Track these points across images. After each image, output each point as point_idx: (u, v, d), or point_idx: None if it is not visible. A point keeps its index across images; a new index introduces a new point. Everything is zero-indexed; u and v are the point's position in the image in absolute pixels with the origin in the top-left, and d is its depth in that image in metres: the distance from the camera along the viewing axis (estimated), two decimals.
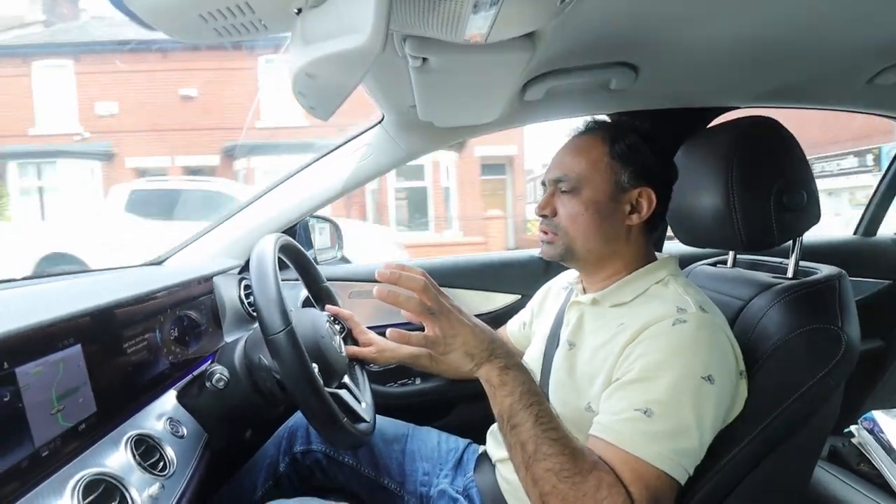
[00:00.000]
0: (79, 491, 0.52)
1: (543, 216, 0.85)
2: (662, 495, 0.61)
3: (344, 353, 0.96)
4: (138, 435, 0.65)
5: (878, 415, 1.11)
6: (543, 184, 0.88)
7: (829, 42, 0.84)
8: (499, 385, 0.64)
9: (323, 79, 0.51)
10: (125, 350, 0.69)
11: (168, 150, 10.34)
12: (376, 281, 0.65)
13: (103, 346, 0.64)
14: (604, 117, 0.91)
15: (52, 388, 0.54)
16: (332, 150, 1.28)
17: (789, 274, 0.86)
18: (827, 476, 1.09)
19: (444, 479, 0.97)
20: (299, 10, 0.48)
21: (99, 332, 0.64)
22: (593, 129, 0.85)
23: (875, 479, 1.05)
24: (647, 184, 0.80)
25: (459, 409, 1.38)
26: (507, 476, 0.86)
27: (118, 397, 0.66)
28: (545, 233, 0.85)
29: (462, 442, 1.06)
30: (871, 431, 1.11)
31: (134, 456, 0.61)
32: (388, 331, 0.64)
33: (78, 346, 0.59)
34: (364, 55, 0.43)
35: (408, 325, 1.02)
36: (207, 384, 0.81)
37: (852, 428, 1.16)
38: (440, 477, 0.99)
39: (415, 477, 1.00)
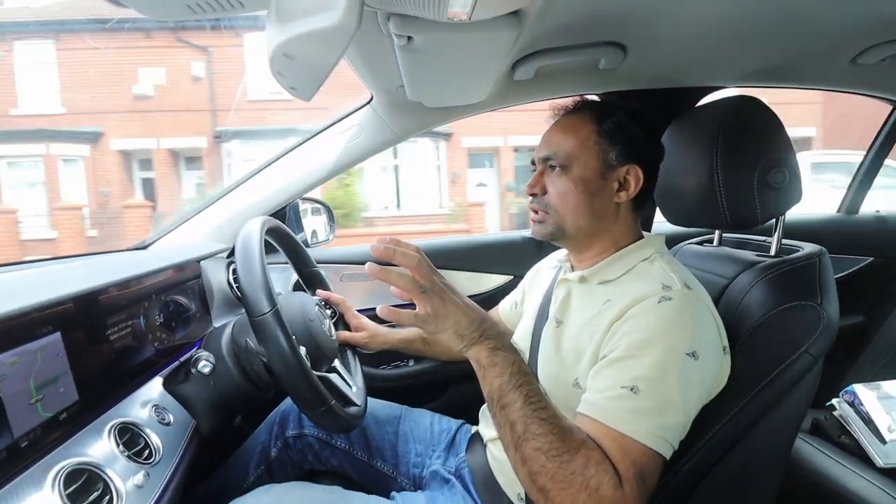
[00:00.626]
0: (60, 481, 0.51)
1: (533, 195, 0.85)
2: (648, 471, 0.62)
3: (334, 337, 0.96)
4: (122, 423, 0.64)
5: (858, 388, 1.14)
6: (533, 163, 0.87)
7: (813, 21, 0.84)
8: (488, 366, 0.65)
9: (301, 58, 0.50)
10: (108, 337, 0.68)
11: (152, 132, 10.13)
12: (369, 262, 0.65)
13: (85, 334, 0.63)
14: (593, 97, 0.91)
15: (30, 378, 0.53)
16: (321, 131, 1.25)
17: (772, 252, 0.87)
18: (809, 448, 1.12)
19: (437, 460, 0.99)
20: None
21: (80, 318, 0.63)
22: (581, 108, 0.85)
23: (855, 451, 1.08)
24: (634, 161, 0.80)
25: (452, 390, 1.39)
26: (497, 455, 0.88)
27: (101, 385, 0.65)
28: (535, 211, 0.85)
29: (455, 423, 1.07)
30: (851, 404, 1.14)
31: (118, 444, 0.61)
32: (379, 308, 0.64)
33: (57, 334, 0.58)
34: (340, 33, 0.42)
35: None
36: (193, 370, 0.80)
37: (834, 401, 1.19)
38: (433, 458, 1.00)
39: (407, 458, 1.01)
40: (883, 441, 1.03)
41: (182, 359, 0.86)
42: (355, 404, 0.90)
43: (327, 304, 1.09)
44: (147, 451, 0.64)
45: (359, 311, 1.15)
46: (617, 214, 0.82)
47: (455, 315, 0.65)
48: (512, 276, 1.46)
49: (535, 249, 1.47)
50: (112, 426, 0.62)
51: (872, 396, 1.12)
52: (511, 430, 0.62)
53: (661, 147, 0.86)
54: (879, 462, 1.02)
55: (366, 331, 1.11)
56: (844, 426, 1.14)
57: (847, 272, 1.67)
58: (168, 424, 0.71)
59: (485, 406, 0.98)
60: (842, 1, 0.77)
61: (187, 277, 0.96)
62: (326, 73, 0.55)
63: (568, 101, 0.88)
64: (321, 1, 0.41)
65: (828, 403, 1.20)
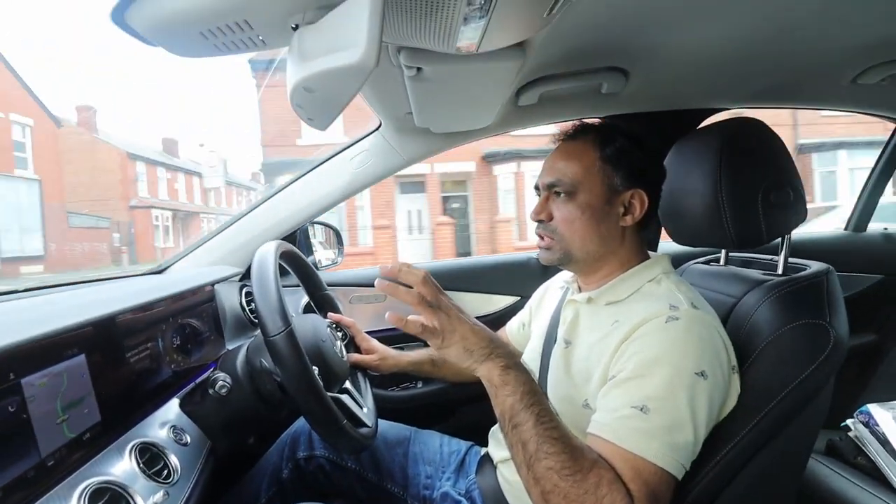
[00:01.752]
0: (85, 499, 0.52)
1: (539, 221, 0.86)
2: (660, 491, 0.62)
3: (345, 359, 0.97)
4: (142, 443, 0.65)
5: (874, 408, 1.12)
6: (537, 188, 0.89)
7: (813, 43, 0.86)
8: (500, 385, 0.65)
9: (320, 92, 0.52)
10: (128, 359, 0.70)
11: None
12: (378, 278, 0.66)
13: (107, 356, 0.65)
14: (594, 121, 0.93)
15: (57, 399, 0.55)
16: (330, 157, 1.29)
17: (779, 271, 0.88)
18: (824, 470, 1.10)
19: (447, 482, 0.98)
20: (296, 27, 0.49)
21: (102, 341, 0.65)
22: (583, 133, 0.86)
23: (872, 472, 1.06)
24: (638, 185, 0.82)
25: (461, 411, 1.39)
26: (508, 477, 0.87)
27: (122, 406, 0.67)
28: (542, 237, 0.86)
29: (464, 444, 1.07)
30: (866, 425, 1.12)
31: (138, 464, 0.62)
32: (388, 314, 0.65)
33: (82, 357, 0.60)
34: (359, 70, 0.45)
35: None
36: (210, 391, 0.82)
37: (849, 422, 1.17)
38: (443, 479, 0.99)
39: (418, 480, 1.01)
40: None
41: (198, 380, 0.87)
42: (366, 425, 0.91)
43: (338, 326, 1.11)
44: (166, 471, 0.66)
45: (369, 332, 1.16)
46: (623, 237, 0.84)
47: (462, 330, 0.66)
48: (519, 297, 1.47)
49: (541, 270, 1.48)
50: (133, 446, 0.64)
51: (888, 416, 1.10)
52: (523, 450, 0.62)
53: (662, 169, 0.87)
54: None
55: (376, 353, 1.12)
56: (860, 447, 1.11)
57: (856, 290, 1.66)
58: (185, 445, 0.73)
59: (495, 427, 0.99)
60: (841, 22, 0.79)
61: (202, 301, 0.98)
62: (343, 105, 0.57)
63: (568, 126, 0.89)
64: (342, 40, 0.44)
65: (843, 424, 1.18)
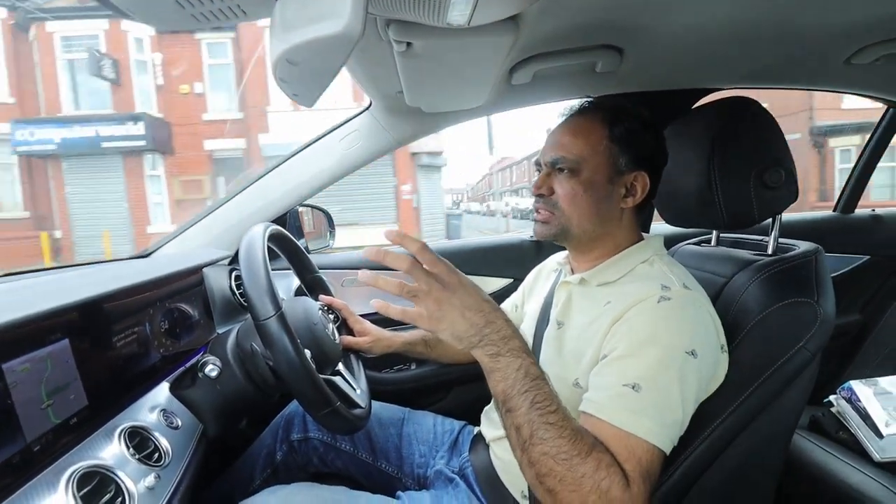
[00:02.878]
0: (73, 483, 0.52)
1: (540, 195, 0.84)
2: (653, 468, 0.63)
3: (338, 341, 0.97)
4: (132, 427, 0.65)
5: (856, 384, 1.15)
6: (538, 163, 0.87)
7: (807, 22, 0.85)
8: (490, 370, 0.64)
9: (304, 65, 0.51)
10: (115, 344, 0.69)
11: None
12: (369, 268, 0.65)
13: (92, 340, 0.64)
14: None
15: (41, 384, 0.54)
16: (319, 138, 1.26)
17: (769, 251, 0.89)
18: (808, 444, 1.13)
19: (441, 461, 0.99)
20: None
21: (87, 326, 0.64)
22: (592, 110, 0.85)
23: (853, 446, 1.09)
24: (642, 167, 0.81)
25: (455, 392, 1.40)
26: (500, 455, 0.88)
27: (109, 391, 0.66)
28: (539, 211, 0.85)
29: (457, 424, 1.08)
30: (848, 400, 1.15)
31: (128, 447, 0.62)
32: (373, 301, 0.64)
33: (66, 341, 0.58)
34: (344, 41, 0.43)
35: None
36: (200, 374, 0.81)
37: (831, 398, 1.20)
38: (436, 458, 1.01)
39: (412, 459, 1.02)
40: (880, 436, 1.04)
41: (188, 364, 0.86)
42: (360, 406, 0.91)
43: (330, 308, 1.10)
44: (157, 455, 0.65)
45: (362, 315, 1.16)
46: (621, 218, 0.83)
47: (451, 317, 0.63)
48: (512, 279, 1.47)
49: (534, 252, 1.48)
50: (122, 430, 0.63)
51: (869, 392, 1.13)
52: (517, 434, 0.62)
53: (666, 153, 0.86)
54: (877, 456, 1.03)
55: (369, 335, 1.12)
56: (842, 422, 1.15)
57: (843, 270, 1.69)
58: (176, 428, 0.72)
59: (487, 407, 0.99)
60: (833, 3, 0.79)
61: (190, 285, 0.96)
62: (329, 79, 0.56)
63: (576, 103, 0.87)
64: (325, 8, 0.42)
65: (825, 400, 1.22)
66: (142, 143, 11.40)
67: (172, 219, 11.73)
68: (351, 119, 1.24)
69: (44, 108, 11.53)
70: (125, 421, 0.65)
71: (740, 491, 0.80)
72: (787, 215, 0.88)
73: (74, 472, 0.53)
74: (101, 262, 1.14)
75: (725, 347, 0.74)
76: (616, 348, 0.69)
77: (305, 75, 0.56)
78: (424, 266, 0.64)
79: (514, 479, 0.85)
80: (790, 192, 0.83)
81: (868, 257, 1.69)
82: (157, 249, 1.22)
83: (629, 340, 0.69)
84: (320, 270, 1.14)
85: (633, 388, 0.65)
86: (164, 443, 0.67)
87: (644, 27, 0.84)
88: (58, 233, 11.45)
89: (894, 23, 0.87)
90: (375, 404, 1.06)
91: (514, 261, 1.47)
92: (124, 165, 11.63)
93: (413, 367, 1.38)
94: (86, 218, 11.55)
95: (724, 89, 1.23)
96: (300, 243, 1.09)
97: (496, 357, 0.64)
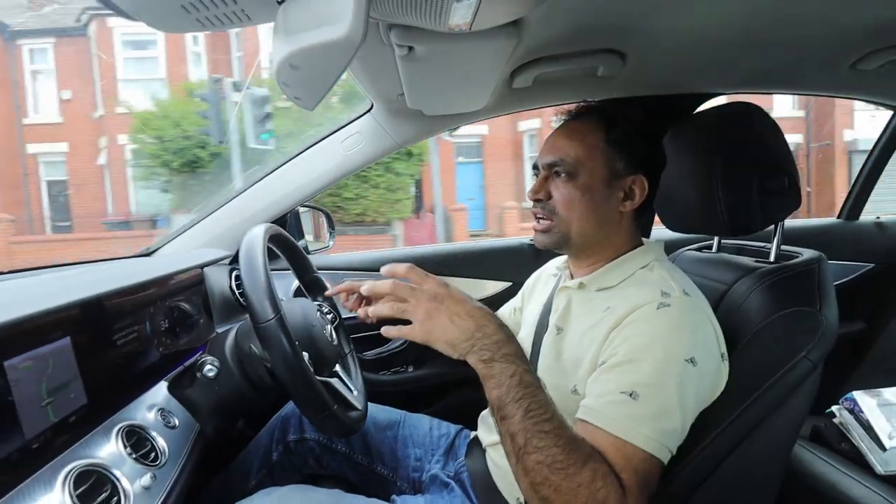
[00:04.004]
0: (70, 482, 0.52)
1: (537, 200, 0.84)
2: (650, 477, 0.63)
3: (335, 342, 0.97)
4: (129, 426, 0.65)
5: (859, 395, 1.14)
6: (535, 167, 0.87)
7: (813, 26, 0.85)
8: (484, 377, 0.64)
9: (306, 69, 0.51)
10: (115, 342, 0.69)
11: None
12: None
13: (93, 339, 0.64)
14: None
15: (42, 382, 0.54)
16: (321, 140, 1.27)
17: (771, 258, 0.88)
18: (809, 455, 1.12)
19: (436, 465, 0.99)
20: (281, 1, 0.48)
21: (88, 324, 0.64)
22: (589, 114, 0.84)
23: (855, 458, 1.08)
24: (640, 171, 0.80)
25: (451, 395, 1.40)
26: (497, 460, 0.88)
27: (109, 389, 0.66)
28: (538, 218, 0.84)
29: (454, 428, 1.08)
30: (851, 411, 1.14)
31: (125, 446, 0.62)
32: (383, 329, 0.68)
33: (67, 339, 0.59)
34: (346, 46, 0.43)
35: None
36: (198, 374, 0.81)
37: (834, 408, 1.19)
38: (432, 462, 1.00)
39: (407, 462, 1.02)
40: (883, 448, 1.03)
41: (186, 363, 0.87)
42: (356, 408, 0.91)
43: (328, 310, 1.10)
44: (153, 454, 0.65)
45: (344, 319, 1.14)
46: (620, 223, 0.83)
47: (442, 325, 0.65)
48: (510, 283, 1.47)
49: (533, 256, 1.47)
50: (119, 429, 0.63)
51: (873, 403, 1.12)
52: (511, 441, 0.62)
53: (664, 157, 0.86)
54: (879, 469, 1.01)
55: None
56: (844, 433, 1.13)
57: (847, 279, 1.67)
58: (173, 428, 0.72)
59: (484, 412, 0.99)
60: (841, 6, 0.78)
61: (191, 284, 0.97)
62: (331, 83, 0.56)
63: (573, 106, 0.87)
64: (328, 14, 0.43)
65: (828, 410, 1.20)
66: None
67: None
68: (353, 121, 1.25)
69: None
70: (123, 419, 0.66)
71: (740, 501, 0.79)
72: (791, 222, 0.88)
73: (71, 470, 0.53)
74: (105, 259, 1.14)
75: (726, 356, 0.74)
76: (614, 355, 0.69)
77: (308, 79, 0.56)
78: (413, 283, 0.68)
79: (510, 486, 0.84)
80: (793, 199, 0.83)
81: (872, 265, 1.68)
82: (158, 248, 1.22)
83: (627, 347, 0.68)
84: (319, 271, 1.14)
85: (631, 395, 0.64)
86: (160, 442, 0.68)
87: (646, 31, 0.84)
88: None
89: None
90: (372, 406, 1.06)
91: (513, 264, 1.47)
92: None
93: (410, 369, 1.38)
94: None
95: (726, 94, 1.23)
96: (300, 244, 1.09)
97: (490, 363, 0.64)
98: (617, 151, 0.80)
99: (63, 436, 0.56)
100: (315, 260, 1.17)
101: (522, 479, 0.61)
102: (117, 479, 0.57)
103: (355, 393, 0.96)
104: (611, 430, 0.63)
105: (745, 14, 0.78)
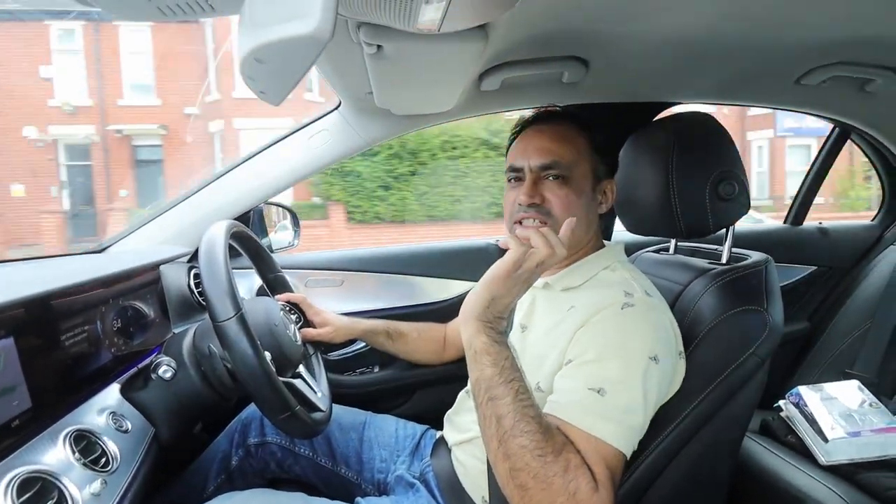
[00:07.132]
0: (12, 489, 0.49)
1: (532, 205, 0.80)
2: (617, 471, 0.65)
3: (299, 342, 0.95)
4: (78, 430, 0.62)
5: (803, 390, 1.20)
6: (515, 170, 0.84)
7: (762, 44, 0.90)
8: (482, 352, 0.65)
9: (272, 64, 0.50)
10: (63, 343, 0.66)
11: None
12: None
13: (39, 339, 0.61)
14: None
15: None
16: (287, 135, 1.24)
17: (723, 260, 0.92)
18: (758, 448, 1.17)
19: (402, 465, 0.99)
20: None
21: (33, 323, 0.61)
22: (568, 118, 0.85)
23: (800, 449, 1.13)
24: (611, 175, 0.85)
25: (418, 395, 1.39)
26: (462, 459, 0.89)
27: (56, 392, 0.63)
28: (536, 223, 0.80)
29: (419, 428, 1.08)
30: (796, 405, 1.20)
31: (73, 452, 0.59)
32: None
33: (10, 339, 0.56)
34: (313, 42, 0.43)
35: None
36: (153, 376, 0.78)
37: (781, 403, 1.25)
38: (397, 463, 1.00)
39: (372, 464, 1.01)
40: (825, 440, 1.08)
41: (141, 365, 0.83)
42: (320, 410, 0.90)
43: (292, 309, 1.08)
44: (104, 459, 0.63)
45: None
46: (597, 225, 0.86)
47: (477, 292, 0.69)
48: (476, 283, 1.47)
49: (498, 256, 1.48)
50: (67, 433, 0.60)
51: (816, 398, 1.18)
52: (497, 424, 0.62)
53: (618, 162, 0.90)
54: (822, 460, 1.06)
55: (330, 325, 1.10)
56: (791, 426, 1.19)
57: (792, 280, 1.76)
58: (126, 432, 0.70)
59: (450, 411, 0.99)
60: (786, 25, 0.83)
61: (146, 282, 0.93)
62: (298, 79, 0.55)
63: (549, 109, 0.89)
64: (295, 8, 0.42)
65: (775, 405, 1.27)
66: None
67: None
68: (321, 118, 1.23)
69: None
70: (71, 424, 0.63)
71: (693, 493, 0.82)
72: (740, 226, 0.92)
73: (14, 477, 0.51)
74: (54, 256, 1.09)
75: (683, 353, 0.77)
76: (581, 354, 0.71)
77: (273, 74, 0.55)
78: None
79: (475, 484, 0.85)
80: (743, 204, 0.87)
81: (815, 268, 1.78)
82: (112, 245, 1.17)
83: (594, 346, 0.70)
84: (284, 270, 1.12)
85: (599, 392, 0.66)
86: (112, 447, 0.65)
87: (609, 40, 0.87)
88: None
89: (842, 47, 0.93)
90: (337, 408, 1.05)
91: (479, 264, 1.47)
92: None
93: (376, 370, 1.37)
94: None
95: (683, 103, 1.28)
96: (263, 242, 1.07)
97: (493, 342, 0.66)
98: (600, 156, 0.83)
99: (5, 441, 0.53)
100: (279, 259, 1.14)
101: (501, 464, 0.62)
102: (64, 486, 0.54)
103: (319, 394, 0.95)
104: (581, 426, 0.64)
105: (703, 27, 0.82)
